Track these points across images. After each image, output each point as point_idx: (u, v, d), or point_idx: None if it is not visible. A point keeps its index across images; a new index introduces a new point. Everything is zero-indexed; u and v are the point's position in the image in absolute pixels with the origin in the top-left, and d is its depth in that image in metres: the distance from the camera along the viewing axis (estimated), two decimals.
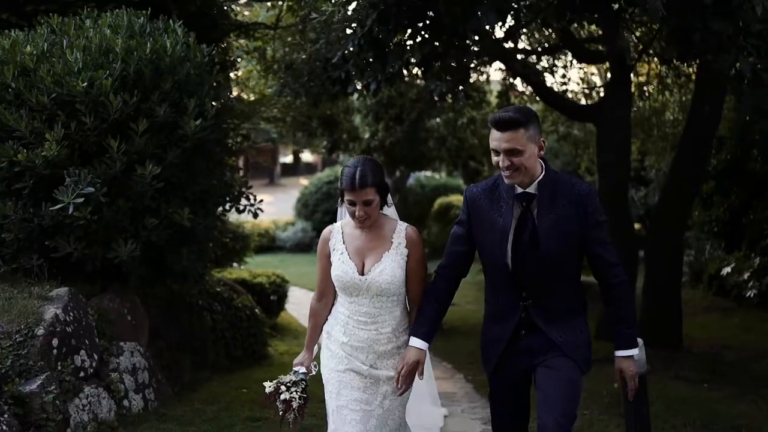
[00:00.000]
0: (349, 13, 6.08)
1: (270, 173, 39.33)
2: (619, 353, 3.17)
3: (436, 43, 5.88)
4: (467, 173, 17.77)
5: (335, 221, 3.55)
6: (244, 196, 7.02)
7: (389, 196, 3.40)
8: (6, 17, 6.62)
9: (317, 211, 21.45)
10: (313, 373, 3.46)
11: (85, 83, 5.19)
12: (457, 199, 16.84)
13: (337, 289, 3.40)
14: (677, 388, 6.66)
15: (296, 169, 43.51)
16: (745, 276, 11.67)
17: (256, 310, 8.87)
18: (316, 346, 3.55)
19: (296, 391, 3.34)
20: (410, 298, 3.41)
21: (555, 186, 3.05)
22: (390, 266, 3.27)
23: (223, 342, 7.85)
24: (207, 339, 7.48)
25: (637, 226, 15.17)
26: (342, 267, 3.31)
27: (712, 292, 12.56)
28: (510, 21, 6.11)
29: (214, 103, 5.99)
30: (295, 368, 3.44)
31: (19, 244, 5.48)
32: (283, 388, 3.35)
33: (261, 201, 7.07)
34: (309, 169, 42.03)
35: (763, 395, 6.41)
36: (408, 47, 6.23)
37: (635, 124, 12.65)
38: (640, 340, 4.00)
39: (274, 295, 10.85)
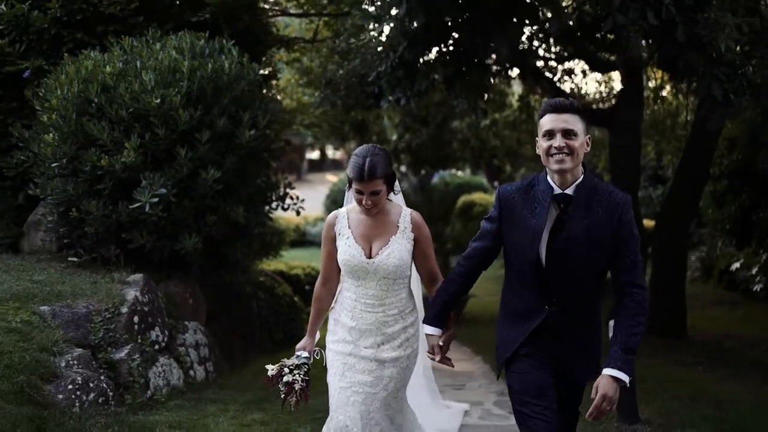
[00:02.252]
0: (383, 39, 6.91)
1: (298, 169, 40.21)
2: (611, 372, 2.86)
3: (458, 64, 6.67)
4: (490, 171, 18.51)
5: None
6: (288, 195, 7.88)
7: (396, 183, 3.43)
8: (80, 36, 7.55)
9: None
10: (317, 358, 3.51)
11: (158, 100, 6.07)
12: (479, 197, 17.48)
13: (343, 273, 3.43)
14: (673, 369, 7.30)
15: (323, 165, 44.30)
16: (753, 271, 12.23)
17: (295, 299, 9.77)
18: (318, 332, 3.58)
19: (299, 374, 3.37)
20: (425, 278, 3.50)
21: (592, 192, 3.00)
22: (398, 249, 3.33)
23: (266, 326, 8.74)
24: (254, 323, 8.36)
25: (653, 223, 15.72)
26: (349, 251, 3.35)
27: (722, 286, 13.11)
28: (524, 42, 6.88)
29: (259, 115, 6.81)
30: (298, 352, 3.47)
31: (98, 237, 6.40)
32: (286, 370, 3.38)
33: (303, 200, 7.91)
34: (335, 165, 42.81)
35: (751, 377, 7.07)
36: (433, 67, 7.05)
37: (651, 126, 13.25)
38: None
39: (309, 285, 11.77)
